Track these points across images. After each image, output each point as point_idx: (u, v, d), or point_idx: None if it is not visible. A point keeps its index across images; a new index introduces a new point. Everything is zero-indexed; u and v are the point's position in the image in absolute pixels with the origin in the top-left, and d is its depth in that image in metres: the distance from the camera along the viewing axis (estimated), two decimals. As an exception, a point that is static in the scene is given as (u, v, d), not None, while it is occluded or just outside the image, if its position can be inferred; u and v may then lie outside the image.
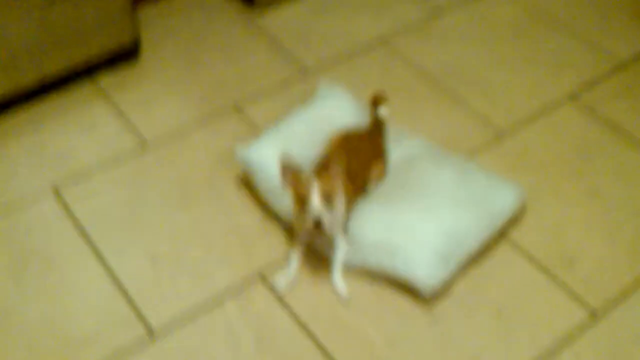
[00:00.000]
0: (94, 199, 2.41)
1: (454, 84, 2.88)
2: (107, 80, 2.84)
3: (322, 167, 2.15)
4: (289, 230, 2.32)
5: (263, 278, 2.21)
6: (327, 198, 2.04)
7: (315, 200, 2.02)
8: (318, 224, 2.03)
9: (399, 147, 2.50)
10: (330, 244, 2.22)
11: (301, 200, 2.05)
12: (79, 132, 2.63)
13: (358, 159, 2.29)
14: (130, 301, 2.15)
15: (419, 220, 2.21)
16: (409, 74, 2.92)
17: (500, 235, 2.34)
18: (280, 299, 2.16)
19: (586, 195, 2.49)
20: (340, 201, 2.13)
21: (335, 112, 2.52)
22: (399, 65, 2.96)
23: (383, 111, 2.48)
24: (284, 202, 2.29)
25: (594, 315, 2.16)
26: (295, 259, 2.22)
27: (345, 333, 2.09)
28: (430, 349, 2.06)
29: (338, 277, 2.19)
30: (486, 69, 2.96)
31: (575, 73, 2.96)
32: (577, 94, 2.86)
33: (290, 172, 2.08)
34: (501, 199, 2.32)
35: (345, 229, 2.22)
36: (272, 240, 2.31)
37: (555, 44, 3.08)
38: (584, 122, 2.75)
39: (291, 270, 2.20)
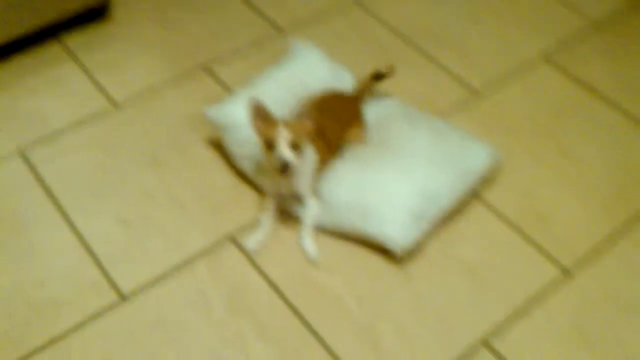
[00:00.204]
0: (62, 161, 2.38)
1: (429, 44, 2.85)
2: (76, 40, 2.78)
3: (293, 118, 2.12)
4: (260, 191, 2.30)
5: (234, 240, 2.19)
6: (295, 145, 2.03)
7: (283, 143, 2.01)
8: (285, 168, 2.02)
9: (374, 107, 2.48)
10: (298, 200, 2.21)
11: (269, 145, 2.04)
12: (47, 94, 2.58)
13: (334, 120, 2.26)
14: (100, 265, 2.12)
15: (392, 180, 2.20)
16: (384, 34, 2.88)
17: (474, 195, 2.33)
18: (252, 260, 2.15)
19: (560, 156, 2.49)
20: (309, 151, 2.13)
21: (308, 71, 2.48)
22: (374, 25, 2.92)
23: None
24: (255, 163, 2.27)
25: (566, 274, 2.17)
26: (267, 219, 2.21)
27: (317, 293, 2.09)
28: (403, 308, 2.06)
29: (308, 239, 2.17)
30: (461, 29, 2.93)
31: (550, 33, 2.94)
32: (552, 54, 2.85)
33: (260, 117, 2.07)
34: (475, 158, 2.31)
35: (316, 190, 2.21)
36: (243, 202, 2.29)
37: (531, 3, 3.06)
38: (559, 83, 2.74)
39: (262, 231, 2.19)
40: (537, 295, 2.11)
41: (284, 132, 2.02)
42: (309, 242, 2.17)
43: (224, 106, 2.34)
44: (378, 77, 2.48)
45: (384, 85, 2.55)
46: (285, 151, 2.01)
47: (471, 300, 2.09)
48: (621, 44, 2.90)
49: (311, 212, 2.19)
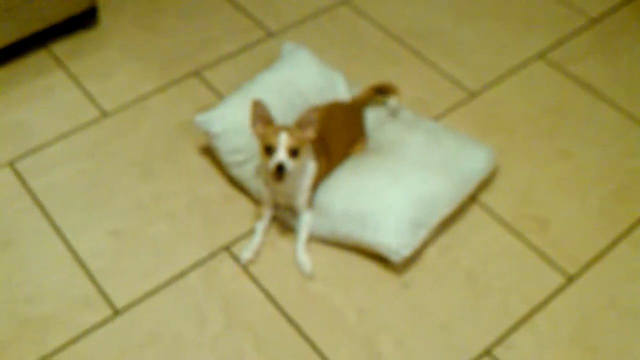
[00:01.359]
0: (51, 172, 2.33)
1: (421, 44, 2.81)
2: (64, 48, 2.74)
3: (296, 125, 2.08)
4: (254, 200, 2.26)
5: (229, 251, 2.15)
6: (293, 152, 1.99)
7: (282, 148, 1.98)
8: (280, 172, 1.98)
9: (369, 112, 2.44)
10: (294, 211, 2.17)
11: (269, 150, 2.00)
12: (35, 103, 2.54)
13: (339, 137, 2.24)
14: (91, 278, 2.08)
15: (388, 186, 2.16)
16: (375, 35, 2.84)
17: (471, 198, 2.29)
18: (248, 272, 2.11)
19: (557, 156, 2.45)
20: (308, 162, 2.10)
21: (299, 74, 2.44)
22: (365, 26, 2.88)
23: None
24: (246, 170, 2.23)
25: (567, 279, 2.13)
26: (261, 228, 2.17)
27: (315, 304, 2.05)
28: (402, 318, 2.02)
29: (302, 253, 2.13)
30: (453, 28, 2.89)
31: (545, 30, 2.90)
32: (547, 52, 2.81)
33: (261, 120, 2.05)
34: (472, 161, 2.27)
35: (311, 202, 2.17)
36: (237, 212, 2.25)
37: (525, 1, 3.02)
38: (554, 81, 2.71)
39: (256, 240, 2.14)
40: (538, 302, 2.08)
41: (284, 137, 1.98)
42: (304, 257, 2.12)
43: (213, 113, 2.29)
44: (381, 91, 2.43)
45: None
46: (282, 155, 1.98)
47: (472, 308, 2.06)
48: (618, 42, 2.87)
49: (306, 225, 2.15)
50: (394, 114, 2.46)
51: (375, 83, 2.44)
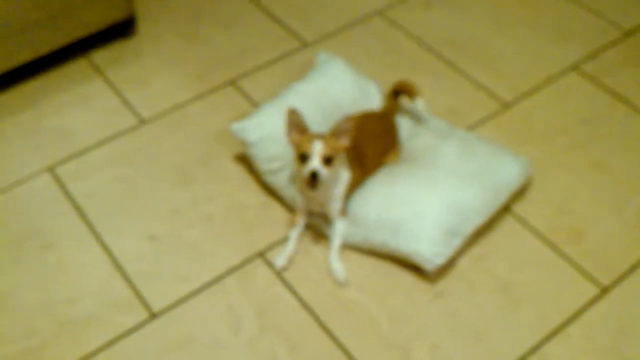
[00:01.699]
0: (90, 178, 2.37)
1: (456, 55, 2.83)
2: (103, 56, 2.79)
3: (331, 133, 2.10)
4: (289, 208, 2.28)
5: (264, 257, 2.17)
6: (327, 160, 2.01)
7: (316, 156, 2.00)
8: (314, 180, 2.00)
9: (402, 121, 2.45)
10: (327, 219, 2.19)
11: (303, 159, 2.02)
12: (74, 110, 2.59)
13: (374, 147, 2.26)
14: (129, 281, 2.11)
15: (422, 195, 2.17)
16: (409, 46, 2.86)
17: (505, 208, 2.30)
18: (282, 278, 2.12)
19: (592, 167, 2.45)
20: (343, 171, 2.12)
21: (333, 83, 2.46)
22: (398, 36, 2.90)
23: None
24: (281, 178, 2.25)
25: (602, 290, 2.12)
26: (295, 236, 2.19)
27: (348, 311, 2.06)
28: (436, 327, 2.03)
29: (335, 261, 2.14)
30: (488, 38, 2.90)
31: (579, 42, 2.90)
32: (581, 64, 2.81)
33: (296, 128, 2.07)
34: (506, 171, 2.27)
35: (345, 210, 2.18)
36: (272, 219, 2.27)
37: (559, 13, 3.02)
38: (589, 93, 2.70)
39: (290, 247, 2.16)
40: (573, 313, 2.07)
41: (319, 146, 2.01)
42: (337, 264, 2.14)
43: (249, 121, 2.32)
44: (398, 93, 2.44)
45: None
46: (316, 163, 2.00)
47: (506, 317, 2.05)
48: (653, 54, 2.86)
49: (339, 233, 2.17)
50: (420, 117, 2.46)
51: (390, 88, 2.44)
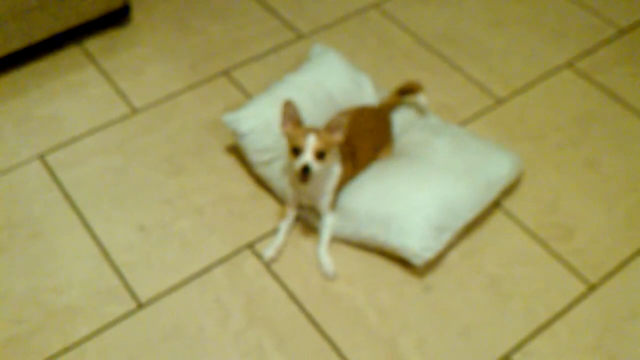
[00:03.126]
0: (81, 166, 2.37)
1: (450, 49, 2.82)
2: (96, 44, 2.78)
3: (325, 128, 2.10)
4: (279, 200, 2.28)
5: (253, 248, 2.17)
6: (320, 154, 2.01)
7: (309, 150, 2.00)
8: (306, 174, 2.00)
9: (395, 115, 2.45)
10: (317, 213, 2.19)
11: (296, 152, 2.02)
12: (66, 98, 2.58)
13: (367, 143, 2.26)
14: (117, 271, 2.11)
15: (413, 190, 2.17)
16: (404, 40, 2.85)
17: (495, 204, 2.30)
18: (270, 270, 2.12)
19: (583, 165, 2.45)
20: (334, 166, 2.12)
21: (327, 76, 2.45)
22: (394, 30, 2.89)
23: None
24: (272, 170, 2.25)
25: (589, 288, 2.12)
26: (284, 228, 2.19)
27: (336, 304, 2.06)
28: (424, 321, 2.03)
29: (324, 254, 2.14)
30: (483, 34, 2.90)
31: (574, 40, 2.89)
32: (576, 61, 2.80)
33: (291, 121, 2.07)
34: (498, 168, 2.27)
35: (335, 204, 2.18)
36: (262, 210, 2.27)
37: (555, 10, 3.02)
38: (583, 90, 2.70)
39: (279, 239, 2.16)
40: (560, 309, 2.07)
41: (312, 140, 2.00)
42: (326, 258, 2.14)
43: (241, 112, 2.32)
44: (406, 92, 2.44)
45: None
46: (308, 157, 2.00)
47: (493, 312, 2.06)
48: (647, 52, 2.86)
49: (328, 226, 2.17)
50: (423, 111, 2.46)
51: (399, 85, 2.45)
